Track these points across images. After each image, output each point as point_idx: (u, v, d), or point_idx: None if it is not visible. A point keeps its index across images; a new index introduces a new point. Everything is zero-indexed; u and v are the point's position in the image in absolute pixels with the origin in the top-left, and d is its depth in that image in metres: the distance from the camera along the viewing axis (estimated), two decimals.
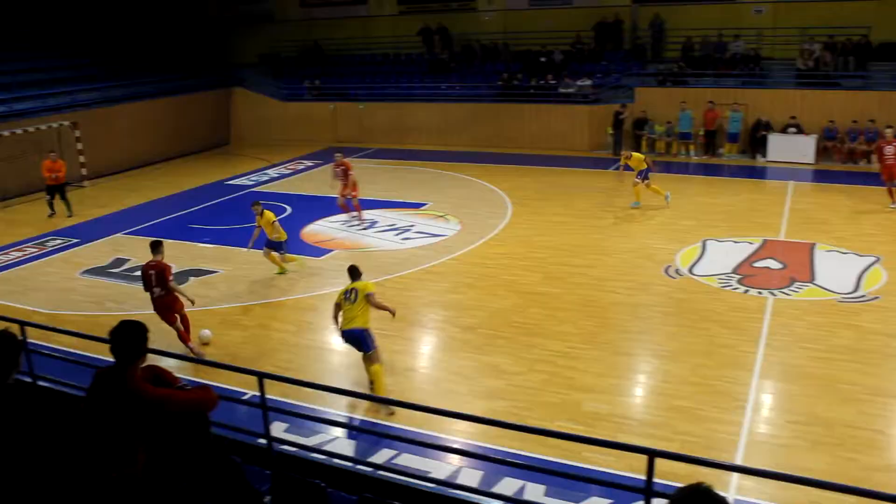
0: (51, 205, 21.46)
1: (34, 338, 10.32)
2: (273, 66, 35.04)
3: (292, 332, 12.86)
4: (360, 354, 10.79)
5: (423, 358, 11.94)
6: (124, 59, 31.50)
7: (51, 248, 18.47)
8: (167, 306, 12.00)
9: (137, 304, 14.36)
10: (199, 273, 16.05)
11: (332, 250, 17.16)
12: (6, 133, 23.72)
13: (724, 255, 15.64)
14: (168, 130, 30.55)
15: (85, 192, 24.70)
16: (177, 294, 12.02)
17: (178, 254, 17.42)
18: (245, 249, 16.20)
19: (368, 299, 10.53)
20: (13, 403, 5.15)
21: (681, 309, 13.14)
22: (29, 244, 18.89)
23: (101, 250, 18.19)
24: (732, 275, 14.57)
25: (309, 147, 30.79)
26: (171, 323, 12.05)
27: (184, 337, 12.05)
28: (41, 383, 8.30)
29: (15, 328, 6.85)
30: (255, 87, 33.67)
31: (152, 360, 5.59)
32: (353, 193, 19.44)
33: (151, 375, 5.36)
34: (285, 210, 20.89)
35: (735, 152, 25.57)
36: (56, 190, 21.51)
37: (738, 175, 23.22)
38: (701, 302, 13.38)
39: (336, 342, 12.39)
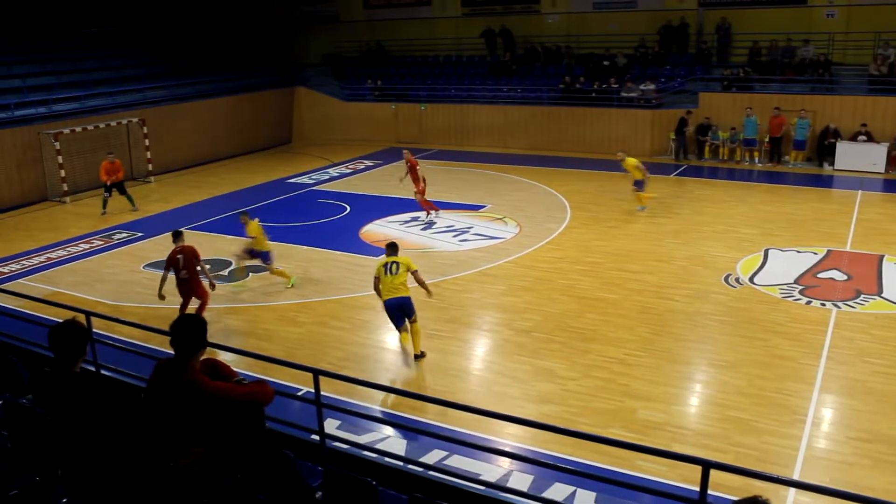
0: (105, 203, 21.85)
1: (99, 328, 10.63)
2: (336, 67, 35.43)
3: (348, 329, 12.98)
4: (408, 360, 10.87)
5: (476, 360, 11.95)
6: (191, 58, 32.22)
7: (116, 241, 18.95)
8: (191, 289, 13.01)
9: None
10: (257, 269, 16.30)
11: None
12: (78, 129, 24.44)
13: (786, 265, 15.33)
14: (232, 128, 31.10)
15: (150, 188, 25.29)
16: (201, 278, 13.02)
17: (235, 249, 17.73)
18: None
19: (414, 275, 11.86)
20: (79, 389, 5.31)
21: (740, 318, 12.91)
22: (96, 237, 19.41)
23: (164, 244, 18.58)
24: (795, 285, 14.26)
25: (370, 147, 31.05)
26: (186, 304, 13.05)
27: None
28: (104, 372, 8.54)
29: (81, 318, 7.06)
30: (318, 86, 34.08)
31: (210, 353, 5.70)
32: (416, 189, 19.67)
33: (210, 368, 5.47)
34: (345, 209, 21.11)
35: (801, 160, 25.02)
36: (115, 187, 21.98)
37: (804, 183, 22.72)
38: (761, 312, 13.13)
39: (391, 341, 12.51)
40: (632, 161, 19.95)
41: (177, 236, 13.27)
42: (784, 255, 15.97)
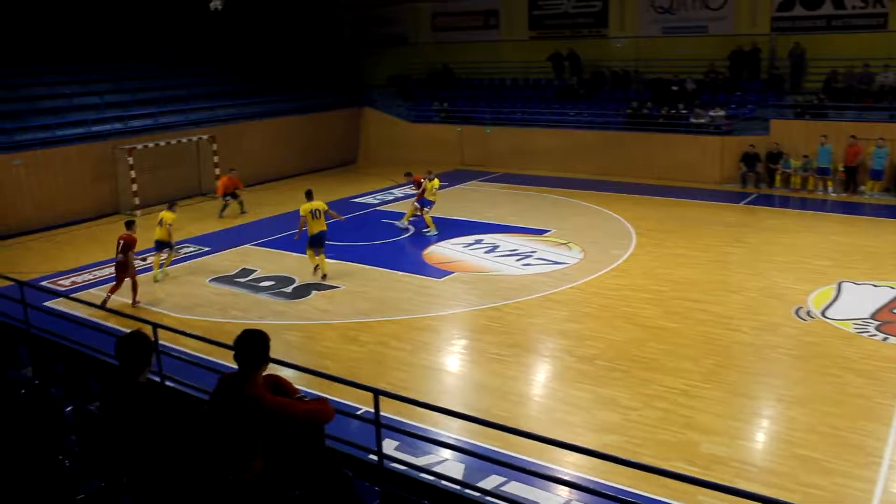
0: (224, 208, 23.82)
1: (164, 340, 10.85)
2: (402, 88, 35.77)
3: (409, 350, 13.01)
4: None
5: (537, 385, 11.86)
6: (261, 77, 32.87)
7: (183, 255, 19.35)
8: (122, 268, 15.50)
9: (262, 314, 14.89)
10: (320, 287, 16.48)
11: (452, 272, 17.29)
12: (151, 145, 25.11)
13: (861, 299, 14.87)
14: (298, 147, 31.60)
15: (217, 204, 25.79)
16: (130, 262, 15.48)
17: (299, 266, 17.96)
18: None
19: (328, 213, 17.23)
20: (146, 399, 5.41)
21: (810, 353, 12.56)
22: (164, 251, 19.82)
23: (229, 259, 18.95)
24: (870, 320, 13.83)
25: (435, 168, 31.08)
26: (119, 281, 15.54)
27: (115, 290, 15.48)
28: (169, 383, 8.70)
29: (148, 329, 7.21)
30: (385, 107, 34.42)
31: (273, 369, 5.76)
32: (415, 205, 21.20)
33: (272, 384, 5.53)
34: (408, 230, 21.22)
35: (878, 190, 24.33)
36: (230, 196, 23.84)
37: (881, 214, 22.08)
38: (833, 347, 12.76)
39: (452, 364, 12.51)
40: (437, 183, 21.31)
41: (129, 225, 15.83)
42: (859, 288, 15.51)
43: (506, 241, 19.69)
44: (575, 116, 30.09)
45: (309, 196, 17.51)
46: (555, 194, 25.69)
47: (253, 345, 5.30)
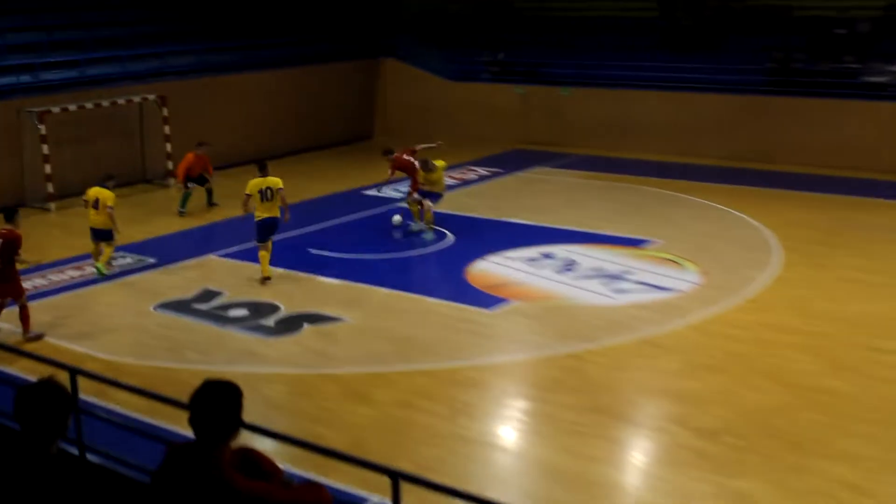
0: (186, 199, 24.22)
1: (87, 392, 10.82)
2: (438, 30, 35.86)
3: (443, 415, 12.92)
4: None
5: (634, 472, 11.74)
6: (233, 13, 33.16)
7: (118, 269, 19.45)
8: (5, 279, 15.36)
9: (230, 357, 14.90)
10: (315, 318, 16.46)
11: (508, 300, 17.19)
12: (73, 107, 25.42)
13: None
14: (289, 114, 31.89)
15: (170, 195, 25.99)
16: (18, 273, 15.59)
17: (289, 289, 17.96)
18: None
19: (280, 194, 18.30)
20: (57, 479, 5.36)
21: None
22: (88, 261, 19.95)
23: (185, 276, 19.02)
24: None
25: (485, 148, 31.22)
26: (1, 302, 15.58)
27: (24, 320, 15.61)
28: (91, 457, 8.66)
29: (63, 377, 7.17)
30: (412, 58, 34.58)
31: (245, 439, 5.69)
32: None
33: (243, 461, 5.47)
34: (445, 237, 21.19)
35: None
36: (194, 182, 24.31)
37: None
38: None
39: (504, 435, 12.42)
40: (442, 166, 21.78)
41: (10, 215, 15.69)
42: None
43: (588, 256, 19.58)
44: (691, 73, 29.98)
45: (262, 169, 18.67)
46: (662, 188, 25.58)
47: (219, 403, 5.26)
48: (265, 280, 18.21)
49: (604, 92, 30.93)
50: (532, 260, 19.46)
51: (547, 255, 19.73)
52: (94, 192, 18.75)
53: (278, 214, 18.30)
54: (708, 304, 16.84)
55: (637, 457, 12.10)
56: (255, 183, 18.28)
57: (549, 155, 30.09)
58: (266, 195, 18.17)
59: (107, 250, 18.85)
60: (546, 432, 12.47)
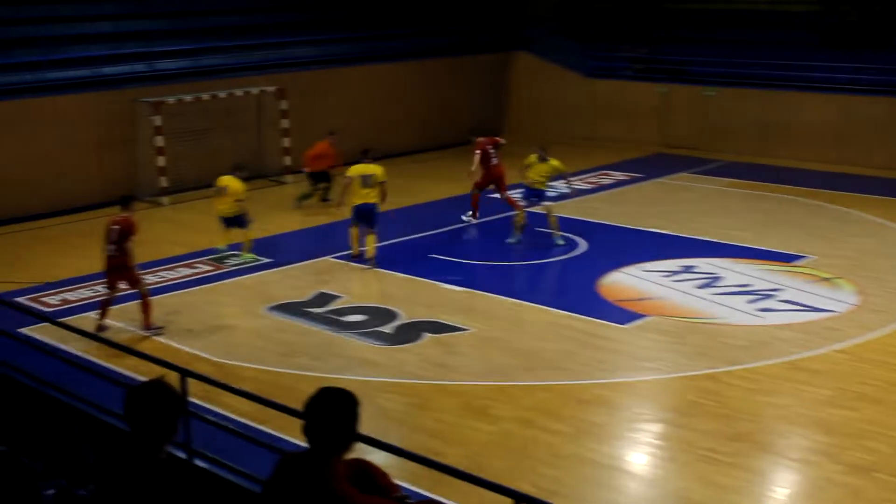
0: (309, 196, 25.12)
1: (197, 395, 11.10)
2: (576, 23, 35.78)
3: (567, 434, 12.90)
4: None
5: None
6: (354, 2, 33.57)
7: (231, 268, 19.89)
8: (117, 268, 16.13)
9: (345, 364, 15.09)
10: (437, 328, 16.56)
11: (644, 315, 17.10)
12: (188, 98, 26.03)
13: None
14: (412, 110, 32.19)
15: (286, 191, 26.40)
16: (134, 261, 16.23)
17: (409, 295, 18.12)
18: None
19: (382, 186, 19.70)
20: (165, 485, 5.48)
21: None
22: (202, 259, 20.44)
23: (300, 278, 19.32)
24: None
25: (623, 150, 31.09)
26: (111, 288, 16.28)
27: (106, 307, 16.29)
28: (200, 463, 8.89)
29: (173, 378, 7.37)
30: (548, 53, 34.55)
31: (358, 451, 5.77)
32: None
33: (356, 474, 5.53)
34: (577, 245, 21.14)
35: None
36: (318, 175, 25.00)
37: None
38: None
39: (634, 459, 12.36)
40: (550, 166, 21.52)
41: (125, 202, 16.42)
42: None
43: (732, 271, 19.38)
44: (855, 74, 29.42)
45: (364, 155, 20.28)
46: (815, 199, 25.18)
47: (335, 412, 5.31)
48: (368, 261, 19.70)
49: (753, 92, 30.51)
50: (671, 273, 19.31)
51: (687, 269, 19.58)
52: (226, 180, 19.86)
53: (376, 202, 19.65)
54: (864, 328, 16.50)
55: (779, 491, 11.90)
56: (357, 169, 19.72)
57: (692, 160, 29.79)
58: (366, 182, 19.53)
59: (246, 237, 20.21)
60: (680, 459, 12.34)
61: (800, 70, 30.28)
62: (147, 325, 16.31)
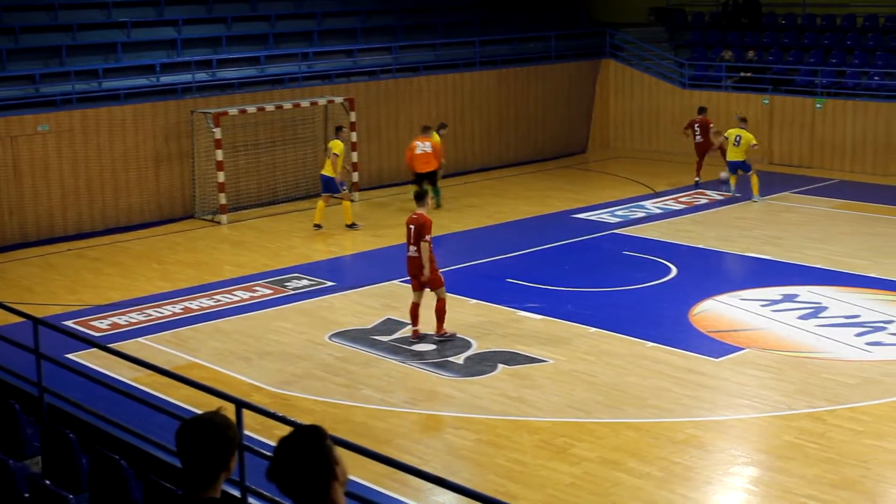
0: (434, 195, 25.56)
1: (253, 428, 11.17)
2: (671, 28, 35.65)
3: (656, 478, 12.82)
4: None
5: None
6: (431, 6, 33.73)
7: (292, 292, 20.01)
8: (419, 267, 16.88)
9: (413, 397, 15.09)
10: (512, 359, 16.53)
11: (740, 348, 16.97)
12: (251, 109, 26.26)
13: None
14: (489, 122, 32.25)
15: (354, 209, 26.55)
16: (428, 258, 16.85)
17: (483, 323, 18.11)
18: None
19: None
20: None
21: None
22: (261, 282, 20.59)
23: (365, 304, 19.39)
24: None
25: (719, 167, 30.84)
26: (415, 289, 17.13)
27: (417, 312, 17.14)
28: (254, 501, 8.93)
29: (229, 410, 7.42)
30: (639, 60, 34.44)
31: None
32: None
33: None
34: (669, 271, 21.03)
35: None
36: (426, 177, 25.61)
37: None
38: None
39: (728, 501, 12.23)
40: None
41: (419, 198, 17.37)
42: None
43: (840, 301, 19.18)
44: None
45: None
46: None
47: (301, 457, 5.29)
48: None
49: (867, 105, 30.20)
50: (770, 302, 19.15)
51: (789, 297, 19.40)
52: (331, 143, 24.21)
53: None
54: None
55: None
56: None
57: (797, 178, 29.58)
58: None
59: (344, 197, 23.22)
60: None
61: None
62: (439, 333, 17.20)
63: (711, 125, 28.72)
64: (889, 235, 23.72)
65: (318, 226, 24.13)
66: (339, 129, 24.93)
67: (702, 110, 29.55)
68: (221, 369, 16.23)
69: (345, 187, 24.78)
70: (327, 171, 23.93)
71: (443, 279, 17.17)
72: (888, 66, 30.85)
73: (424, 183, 24.59)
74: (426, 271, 16.78)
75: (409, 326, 17.35)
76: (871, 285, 20.09)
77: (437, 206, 25.22)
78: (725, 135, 27.41)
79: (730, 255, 22.29)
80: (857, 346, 17.04)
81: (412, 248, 16.87)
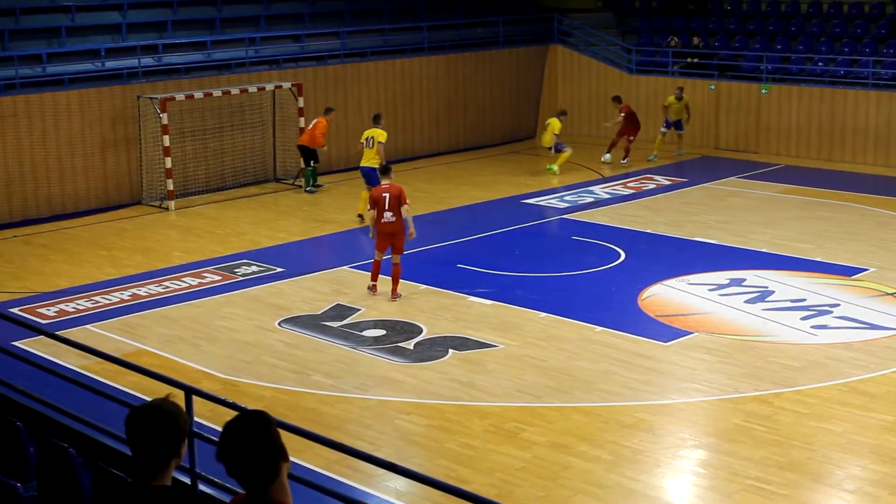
0: (313, 178, 26.97)
1: (203, 415, 11.12)
2: (619, 13, 35.70)
3: (606, 462, 12.87)
4: None
5: None
6: None
7: (241, 278, 19.94)
8: (396, 230, 18.14)
9: (363, 383, 15.07)
10: (463, 344, 16.55)
11: (687, 332, 17.06)
12: (198, 94, 26.08)
13: None
14: (438, 109, 32.23)
15: (302, 196, 26.46)
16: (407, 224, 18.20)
17: (433, 308, 18.14)
18: None
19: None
20: None
21: None
22: (210, 268, 20.52)
23: (315, 289, 19.33)
24: None
25: (667, 152, 30.96)
26: (380, 249, 18.32)
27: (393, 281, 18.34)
28: (204, 488, 8.89)
29: (179, 397, 7.38)
30: (587, 46, 34.51)
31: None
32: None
33: None
34: (618, 256, 21.09)
35: None
36: (304, 153, 26.66)
37: None
38: None
39: (677, 490, 12.34)
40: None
41: (385, 171, 18.83)
42: None
43: (786, 285, 19.32)
44: None
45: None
46: (878, 206, 25.09)
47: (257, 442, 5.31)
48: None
49: (812, 90, 30.34)
50: (718, 286, 19.25)
51: (736, 282, 19.52)
52: (370, 132, 23.57)
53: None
54: None
55: None
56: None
57: (743, 164, 29.72)
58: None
59: (363, 193, 22.52)
60: (725, 490, 12.27)
61: (864, 66, 30.19)
62: (394, 296, 18.41)
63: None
64: (833, 220, 23.87)
65: (361, 216, 23.60)
66: (377, 117, 24.45)
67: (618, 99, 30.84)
68: (170, 356, 16.14)
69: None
70: (371, 162, 23.06)
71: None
72: (832, 52, 31.05)
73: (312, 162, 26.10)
74: (411, 230, 18.27)
75: (370, 282, 18.70)
76: (816, 269, 20.21)
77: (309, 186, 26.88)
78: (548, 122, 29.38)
79: (677, 239, 22.36)
80: (803, 329, 17.15)
81: (387, 213, 18.07)
